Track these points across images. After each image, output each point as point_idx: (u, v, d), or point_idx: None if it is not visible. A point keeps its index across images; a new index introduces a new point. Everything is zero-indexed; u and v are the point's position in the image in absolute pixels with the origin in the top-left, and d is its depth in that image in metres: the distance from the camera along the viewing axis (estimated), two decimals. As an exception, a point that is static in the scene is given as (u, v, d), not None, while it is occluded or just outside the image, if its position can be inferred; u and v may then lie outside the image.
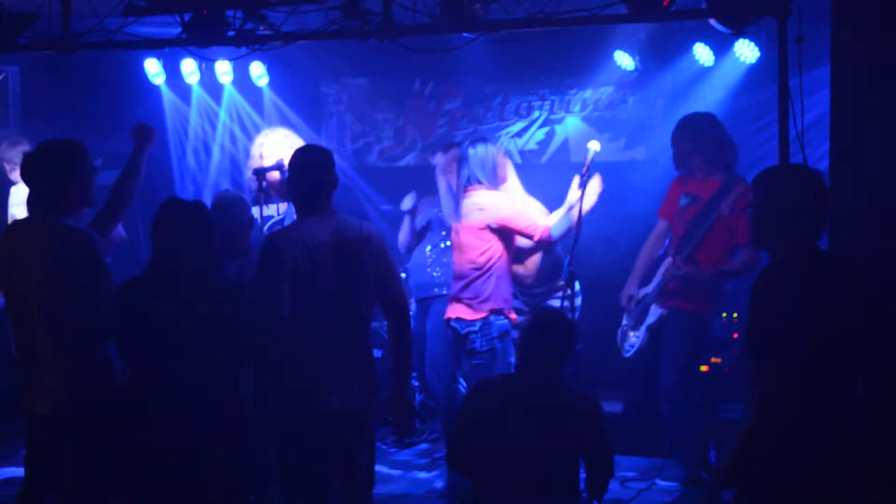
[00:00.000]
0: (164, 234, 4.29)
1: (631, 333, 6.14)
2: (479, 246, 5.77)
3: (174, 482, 4.16)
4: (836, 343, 3.56)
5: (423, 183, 6.77)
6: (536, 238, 5.83)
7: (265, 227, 5.91)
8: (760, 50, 6.93)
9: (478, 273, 5.76)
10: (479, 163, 5.83)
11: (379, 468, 6.72)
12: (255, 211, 5.92)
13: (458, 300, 5.81)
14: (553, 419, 4.36)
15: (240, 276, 4.91)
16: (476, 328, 5.74)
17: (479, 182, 5.83)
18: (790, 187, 3.72)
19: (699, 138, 5.99)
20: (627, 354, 6.18)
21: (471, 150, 5.87)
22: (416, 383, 7.17)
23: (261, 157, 6.03)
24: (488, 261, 5.77)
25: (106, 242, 4.93)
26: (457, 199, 5.91)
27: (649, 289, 6.07)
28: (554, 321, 4.57)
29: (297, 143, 5.98)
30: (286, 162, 5.81)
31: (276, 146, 6.00)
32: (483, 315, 5.73)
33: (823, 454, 3.57)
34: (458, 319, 5.80)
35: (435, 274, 6.69)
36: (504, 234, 5.81)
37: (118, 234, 5.61)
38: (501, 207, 5.79)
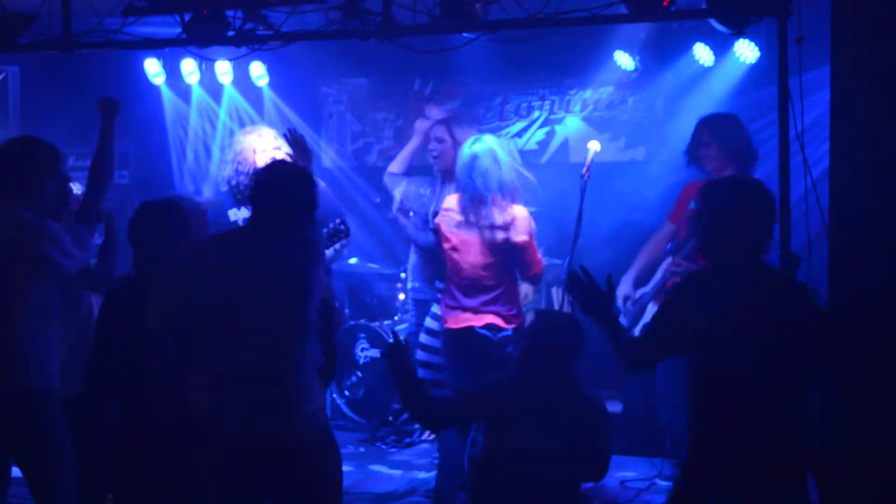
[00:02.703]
0: (139, 238, 4.31)
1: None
2: (500, 259, 5.54)
3: (165, 483, 4.16)
4: (769, 357, 3.64)
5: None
6: (534, 271, 5.65)
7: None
8: (760, 50, 6.93)
9: (504, 286, 5.56)
10: (503, 176, 5.49)
11: (379, 468, 6.77)
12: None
13: (482, 312, 5.55)
14: (558, 421, 4.39)
15: None
16: (511, 333, 5.52)
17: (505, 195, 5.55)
18: (735, 199, 3.79)
19: (716, 138, 5.90)
20: None
21: (500, 157, 5.51)
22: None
23: (254, 159, 5.87)
24: (511, 272, 5.62)
25: (88, 232, 5.00)
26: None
27: (647, 288, 6.07)
28: (560, 325, 4.60)
29: (277, 140, 5.86)
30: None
31: (265, 144, 5.86)
32: (514, 326, 5.56)
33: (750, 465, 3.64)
34: (490, 326, 5.52)
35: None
36: (517, 251, 5.55)
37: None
38: (527, 227, 5.54)
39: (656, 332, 3.93)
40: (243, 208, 5.69)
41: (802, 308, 3.78)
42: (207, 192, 8.39)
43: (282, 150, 5.74)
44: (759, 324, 3.71)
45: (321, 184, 5.85)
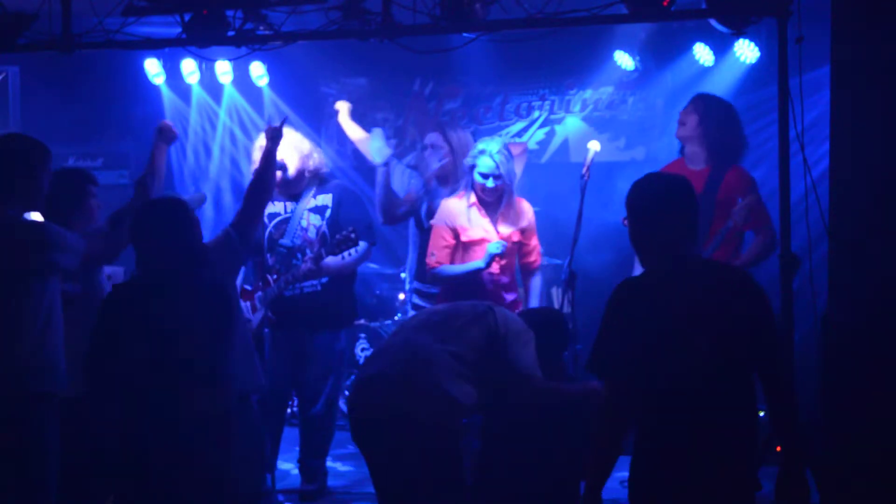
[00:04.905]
0: (143, 238, 4.30)
1: None
2: (515, 252, 5.65)
3: (164, 483, 4.17)
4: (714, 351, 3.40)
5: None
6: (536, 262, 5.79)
7: (271, 225, 5.91)
8: (760, 50, 6.94)
9: (513, 282, 5.65)
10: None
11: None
12: None
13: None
14: (546, 417, 4.39)
15: None
16: None
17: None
18: (649, 198, 3.59)
19: (704, 118, 5.83)
20: None
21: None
22: None
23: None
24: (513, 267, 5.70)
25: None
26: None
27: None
28: (545, 322, 4.59)
29: (297, 139, 5.94)
30: (287, 160, 5.86)
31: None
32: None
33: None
34: None
35: None
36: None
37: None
38: (530, 213, 5.69)
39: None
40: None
41: (746, 298, 3.46)
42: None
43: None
44: (704, 324, 3.44)
45: (346, 188, 5.96)
